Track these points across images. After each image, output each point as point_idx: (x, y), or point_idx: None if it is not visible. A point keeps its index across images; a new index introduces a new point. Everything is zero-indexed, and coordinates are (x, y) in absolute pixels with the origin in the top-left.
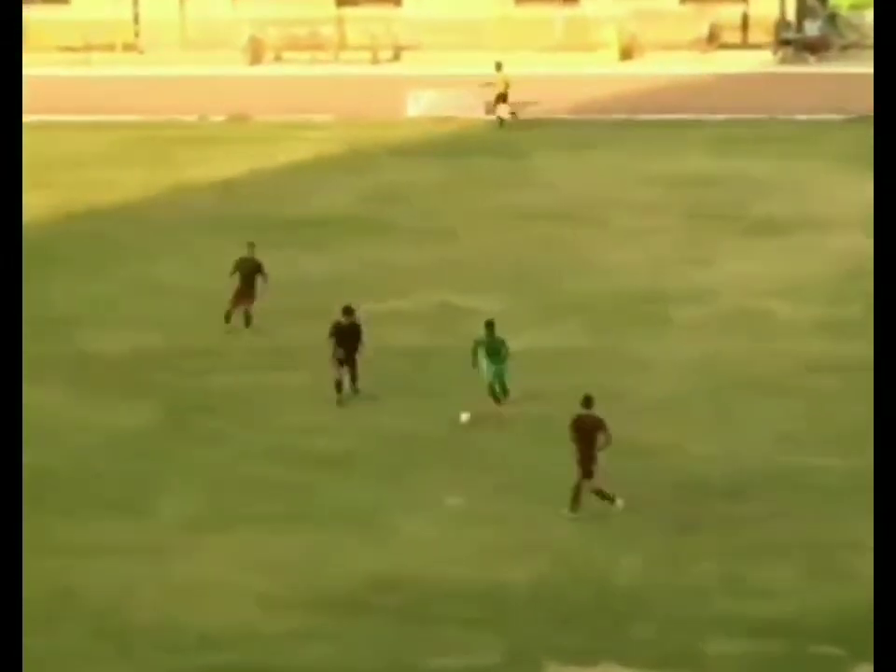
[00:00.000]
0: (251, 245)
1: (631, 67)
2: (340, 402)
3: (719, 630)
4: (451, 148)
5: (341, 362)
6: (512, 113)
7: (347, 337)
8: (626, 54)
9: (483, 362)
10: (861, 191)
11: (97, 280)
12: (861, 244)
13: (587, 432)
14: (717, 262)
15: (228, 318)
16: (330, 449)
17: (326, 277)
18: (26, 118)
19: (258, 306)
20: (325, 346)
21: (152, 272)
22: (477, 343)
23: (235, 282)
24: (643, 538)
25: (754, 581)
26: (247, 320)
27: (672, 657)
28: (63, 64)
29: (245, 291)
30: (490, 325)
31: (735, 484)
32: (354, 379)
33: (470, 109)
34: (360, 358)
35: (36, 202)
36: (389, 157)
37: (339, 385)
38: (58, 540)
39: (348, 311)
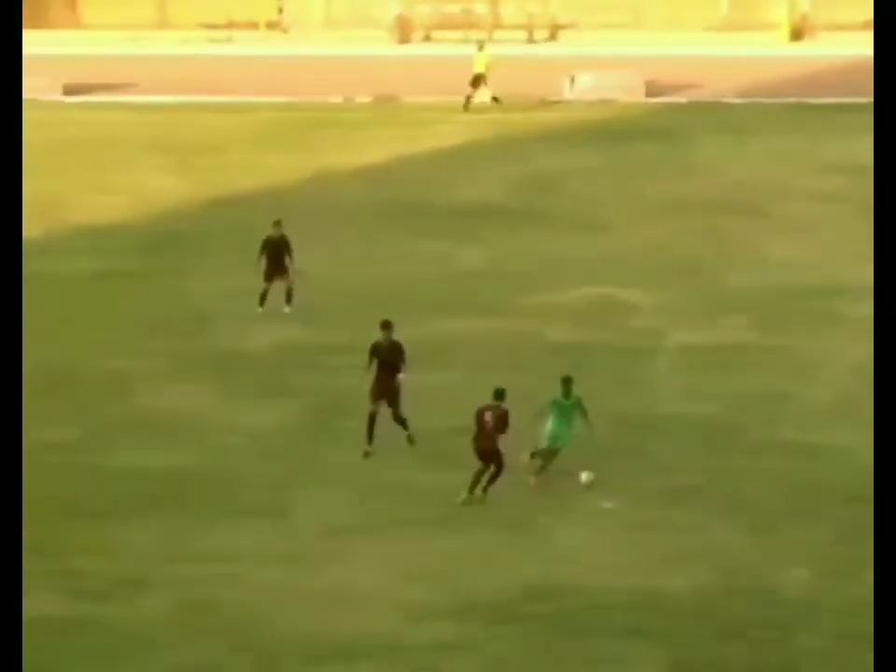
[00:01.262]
0: (277, 224)
1: (802, 48)
2: (366, 455)
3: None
4: (609, 133)
5: (378, 395)
6: (495, 98)
7: (387, 359)
8: (797, 34)
9: (549, 422)
10: None
11: (240, 272)
12: None
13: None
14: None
15: (262, 301)
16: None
17: (478, 269)
18: (163, 98)
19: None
20: (364, 374)
21: (297, 262)
22: (554, 403)
23: (262, 265)
24: (811, 546)
25: None
26: (288, 297)
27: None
28: (205, 43)
29: (275, 271)
30: (567, 382)
31: None
32: (399, 420)
33: (630, 92)
34: (401, 387)
35: (176, 187)
36: (544, 142)
37: (372, 427)
38: (196, 546)
39: (386, 325)
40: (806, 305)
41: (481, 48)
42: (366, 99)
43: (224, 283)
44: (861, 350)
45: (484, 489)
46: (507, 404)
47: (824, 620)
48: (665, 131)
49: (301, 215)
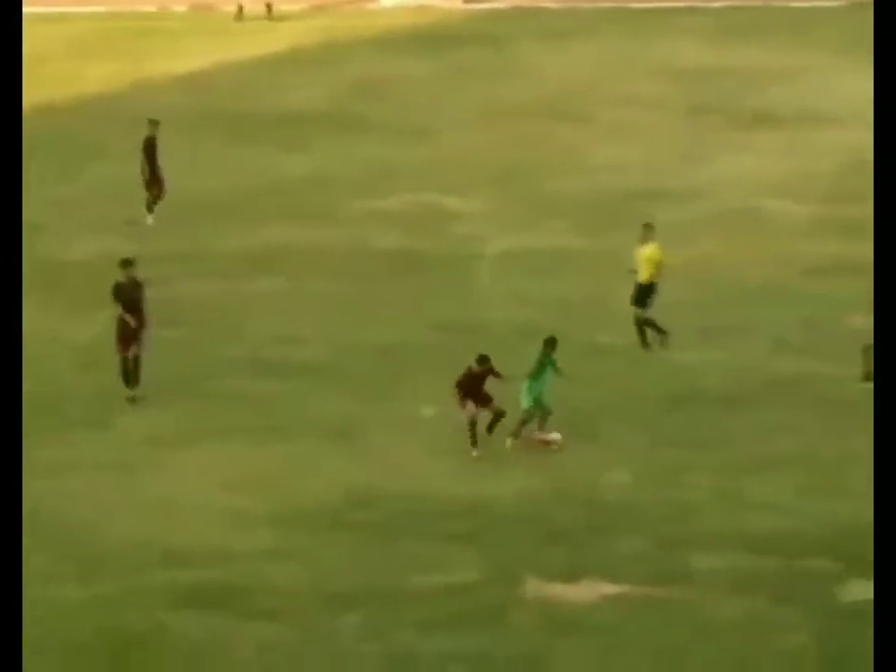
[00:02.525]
0: (154, 123)
1: None
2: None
3: (710, 546)
4: (430, 39)
5: (124, 340)
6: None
7: (129, 300)
8: None
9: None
10: (860, 82)
11: (62, 183)
12: (861, 138)
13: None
14: (712, 159)
15: (150, 208)
16: (307, 360)
17: (303, 176)
18: None
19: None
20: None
21: (118, 174)
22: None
23: (146, 171)
24: (632, 451)
25: (749, 495)
26: (152, 203)
27: (661, 573)
28: None
29: (152, 174)
30: (551, 342)
31: (730, 394)
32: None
33: None
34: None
35: None
36: (366, 49)
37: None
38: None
39: (126, 264)
40: (628, 209)
41: None
42: (182, 8)
43: (47, 192)
44: (679, 254)
45: (489, 429)
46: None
47: (644, 523)
48: (486, 36)
49: (122, 124)
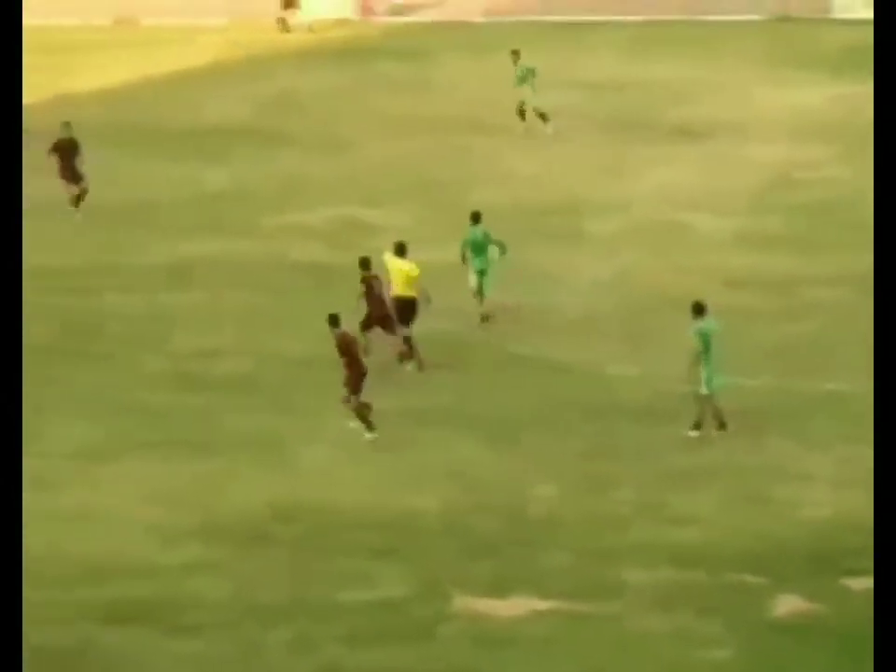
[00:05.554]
0: (67, 125)
1: None
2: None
3: (637, 559)
4: (349, 53)
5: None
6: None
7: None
8: None
9: (470, 261)
10: (780, 96)
11: None
12: (781, 152)
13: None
14: (632, 172)
15: (76, 203)
16: (227, 373)
17: (223, 190)
18: None
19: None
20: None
21: (33, 185)
22: (465, 241)
23: (55, 164)
24: (558, 463)
25: (672, 508)
26: (77, 200)
27: (588, 587)
28: None
29: (68, 174)
30: (476, 217)
31: (653, 407)
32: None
33: (366, 11)
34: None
35: None
36: (285, 62)
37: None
38: None
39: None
40: (548, 221)
41: None
42: (104, 21)
43: None
44: (602, 267)
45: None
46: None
47: (569, 536)
48: (406, 50)
49: (38, 137)
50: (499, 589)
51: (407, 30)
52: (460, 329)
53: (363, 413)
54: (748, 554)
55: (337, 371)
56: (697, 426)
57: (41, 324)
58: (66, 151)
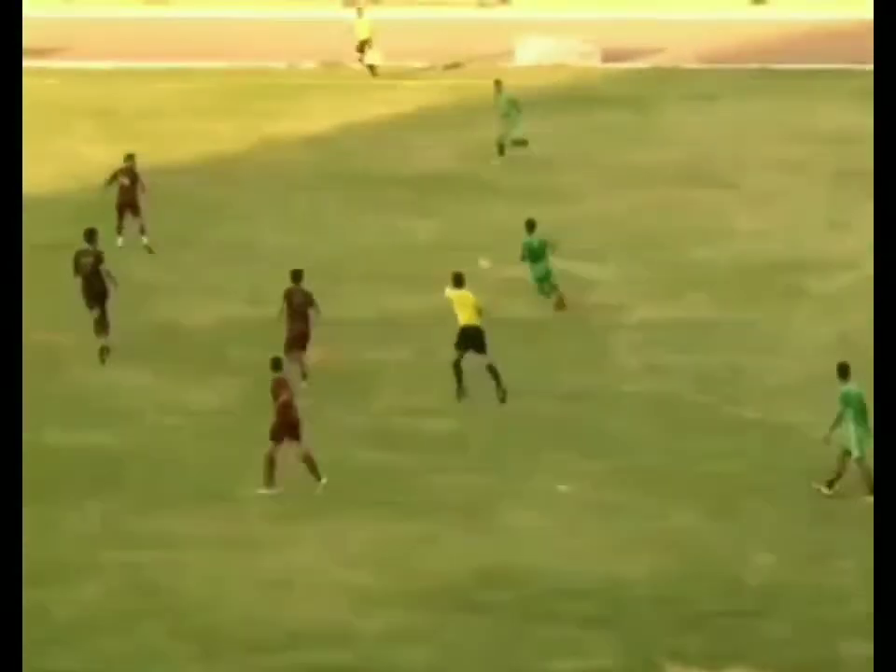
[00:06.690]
0: (130, 157)
1: (765, 12)
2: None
3: (857, 632)
4: (565, 100)
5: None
6: (371, 66)
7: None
8: None
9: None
10: None
11: (182, 245)
12: None
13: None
14: (860, 228)
15: (119, 231)
16: (434, 431)
17: (431, 241)
18: (98, 64)
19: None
20: None
21: (242, 234)
22: (524, 246)
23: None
24: (776, 530)
25: None
26: (142, 230)
27: (807, 660)
28: (139, 5)
29: (127, 203)
30: (531, 225)
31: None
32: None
33: (586, 57)
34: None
35: (112, 155)
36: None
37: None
38: (138, 531)
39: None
40: (771, 280)
41: (360, 14)
42: (311, 64)
43: (165, 255)
44: (827, 327)
45: None
46: None
47: (789, 607)
48: (625, 97)
49: (247, 184)
50: (713, 661)
51: (625, 75)
52: (675, 387)
53: (268, 464)
54: None
55: (547, 430)
56: (830, 484)
57: (237, 378)
58: (131, 179)
